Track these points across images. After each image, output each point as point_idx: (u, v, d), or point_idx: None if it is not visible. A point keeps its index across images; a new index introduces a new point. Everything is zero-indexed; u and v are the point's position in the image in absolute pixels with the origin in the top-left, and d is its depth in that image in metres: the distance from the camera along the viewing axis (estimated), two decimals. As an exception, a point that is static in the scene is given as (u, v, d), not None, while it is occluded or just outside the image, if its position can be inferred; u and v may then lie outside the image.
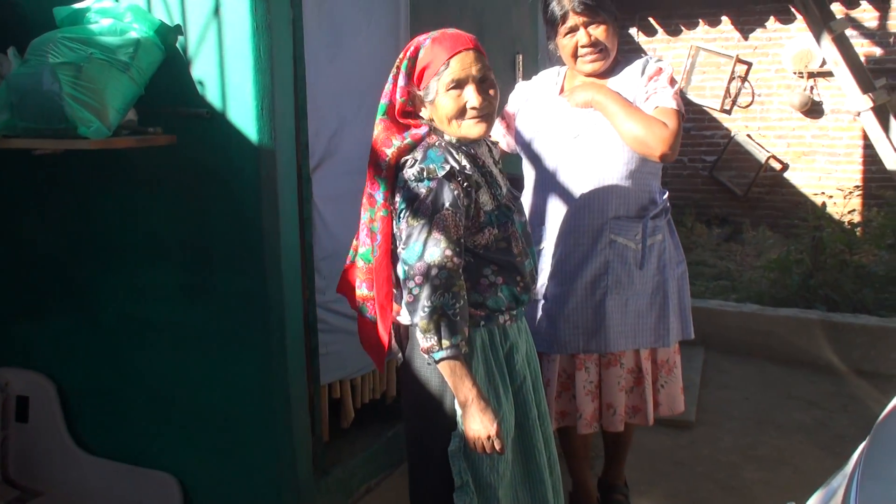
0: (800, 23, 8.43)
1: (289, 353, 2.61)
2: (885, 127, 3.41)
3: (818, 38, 3.51)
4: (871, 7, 8.10)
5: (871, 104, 3.43)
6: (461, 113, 2.07)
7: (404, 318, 2.16)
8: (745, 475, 3.31)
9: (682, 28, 8.66)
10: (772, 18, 8.51)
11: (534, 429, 2.24)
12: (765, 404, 4.00)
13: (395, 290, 2.16)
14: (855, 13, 8.16)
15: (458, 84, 2.05)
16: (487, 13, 3.65)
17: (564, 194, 2.63)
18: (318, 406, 2.76)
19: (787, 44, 8.43)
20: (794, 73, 8.34)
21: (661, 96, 2.50)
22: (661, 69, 2.57)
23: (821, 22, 3.63)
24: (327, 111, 2.68)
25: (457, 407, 2.08)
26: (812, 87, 8.35)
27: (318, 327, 2.72)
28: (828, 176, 8.44)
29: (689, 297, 2.77)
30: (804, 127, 8.40)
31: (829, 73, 8.22)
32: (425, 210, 1.98)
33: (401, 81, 2.14)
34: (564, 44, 2.59)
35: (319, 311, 2.74)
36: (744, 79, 8.55)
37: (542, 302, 2.67)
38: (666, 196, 2.71)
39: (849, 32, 8.25)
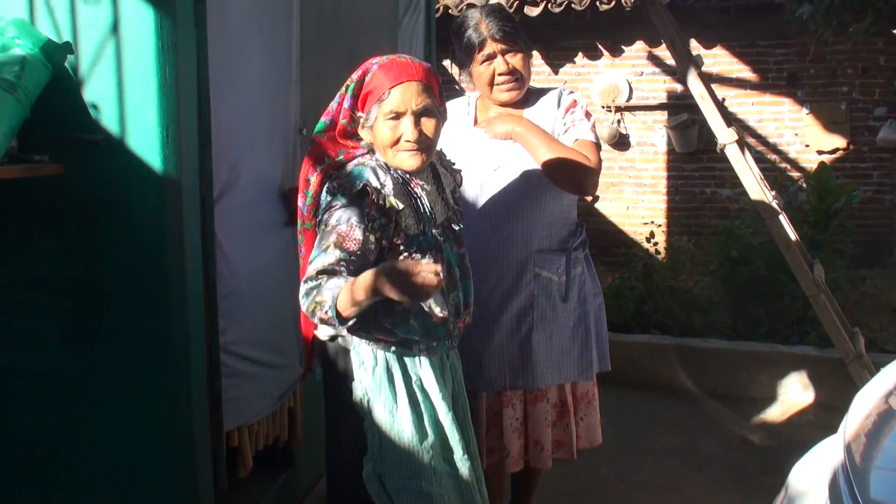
0: (607, 59, 9.21)
1: (193, 401, 2.51)
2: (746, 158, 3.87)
3: (685, 74, 3.90)
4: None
5: (735, 137, 3.87)
6: (396, 143, 2.16)
7: (322, 332, 2.27)
8: (636, 502, 3.56)
9: (496, 60, 9.16)
10: (580, 54, 9.20)
11: (462, 466, 2.28)
12: (632, 430, 4.24)
13: None
14: (657, 51, 9.04)
15: (397, 115, 2.14)
16: (361, 41, 3.74)
17: (486, 228, 2.69)
18: (222, 456, 2.70)
19: (596, 79, 9.14)
20: (603, 107, 9.07)
21: (579, 129, 2.64)
22: (575, 101, 2.71)
23: (687, 58, 4.04)
24: (227, 139, 2.64)
25: (367, 431, 2.18)
26: (619, 121, 9.13)
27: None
28: (635, 206, 9.18)
29: (606, 329, 2.91)
30: (612, 159, 9.11)
31: (636, 108, 9.08)
32: (333, 221, 2.08)
33: (346, 103, 2.22)
34: (481, 71, 2.67)
35: (220, 353, 2.69)
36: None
37: (466, 338, 2.66)
38: (583, 227, 2.84)
39: (650, 70, 9.22)
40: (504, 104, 2.73)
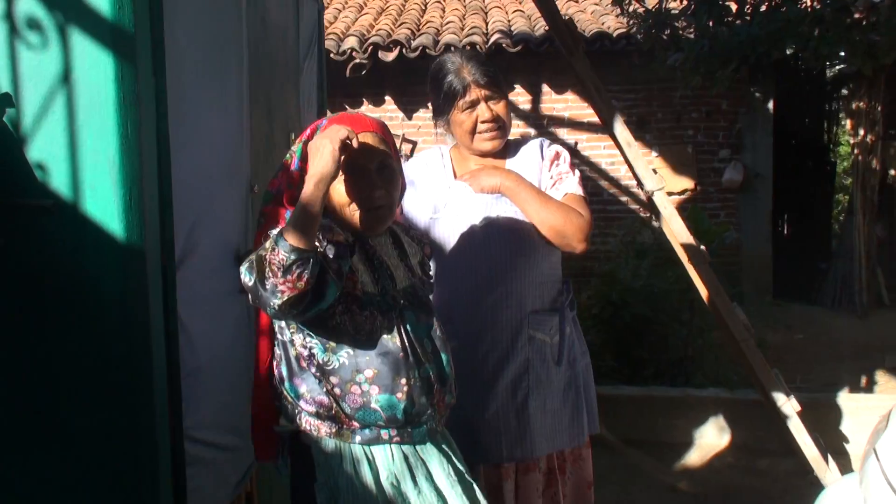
0: (460, 104, 9.43)
1: (161, 496, 2.30)
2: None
3: (611, 121, 4.00)
4: (524, 91, 9.33)
5: (663, 184, 4.00)
6: (359, 202, 2.08)
7: (281, 424, 2.15)
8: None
9: (346, 107, 9.13)
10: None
11: None
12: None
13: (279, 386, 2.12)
14: (511, 96, 9.33)
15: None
16: (275, 89, 3.60)
17: (474, 289, 2.58)
18: (188, 559, 2.46)
19: (449, 124, 9.33)
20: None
21: (567, 183, 2.60)
22: (559, 153, 2.67)
23: (612, 105, 4.16)
24: (185, 200, 2.46)
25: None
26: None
27: (184, 460, 2.46)
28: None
29: (594, 391, 2.82)
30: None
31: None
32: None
33: (294, 165, 2.10)
34: (462, 119, 2.59)
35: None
36: (408, 157, 9.26)
37: (458, 408, 2.50)
38: (570, 284, 2.78)
39: (504, 114, 9.48)
40: (484, 154, 2.66)
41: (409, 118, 9.31)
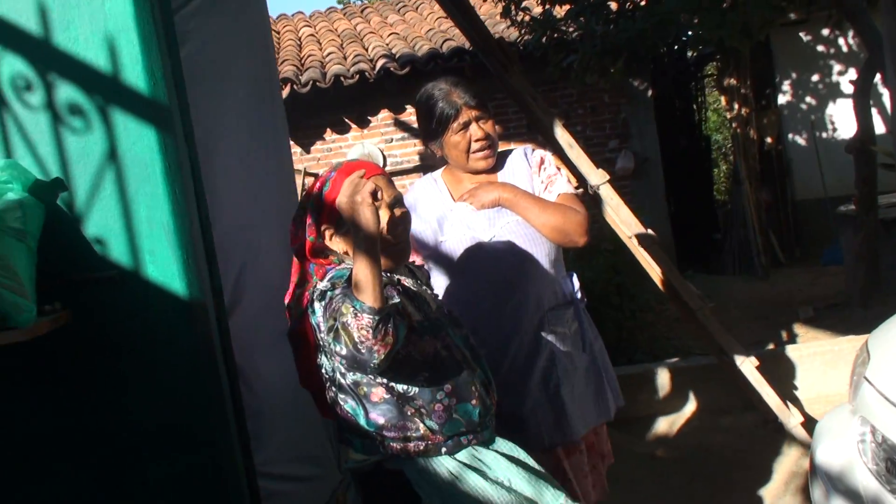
0: (356, 131, 9.66)
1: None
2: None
3: (551, 127, 4.34)
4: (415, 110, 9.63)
5: (607, 177, 4.36)
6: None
7: (356, 456, 2.25)
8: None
9: (243, 149, 9.24)
10: (328, 130, 9.60)
11: None
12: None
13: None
14: (403, 117, 9.62)
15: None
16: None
17: (493, 298, 2.77)
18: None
19: (348, 151, 9.57)
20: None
21: (558, 184, 2.82)
22: (543, 157, 2.88)
23: (550, 112, 4.50)
24: (228, 250, 2.66)
25: None
26: (377, 190, 9.59)
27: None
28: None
29: (612, 369, 3.07)
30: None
31: (394, 173, 9.61)
32: (336, 310, 2.00)
33: (310, 219, 2.25)
34: (457, 140, 2.76)
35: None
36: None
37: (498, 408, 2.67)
38: (574, 275, 3.01)
39: (399, 136, 9.79)
40: (478, 172, 2.85)
41: (308, 152, 9.52)
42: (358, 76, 8.99)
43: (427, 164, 9.49)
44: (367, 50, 9.89)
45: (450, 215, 2.85)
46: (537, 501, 2.22)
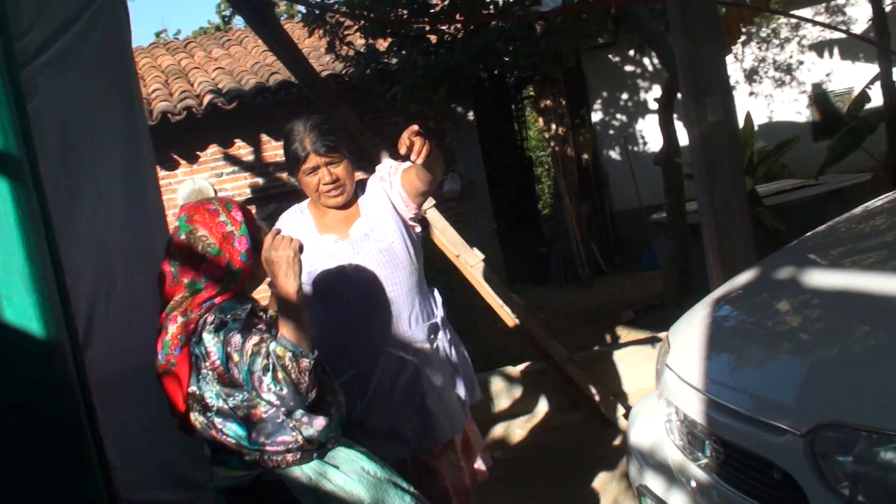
0: (185, 167, 9.68)
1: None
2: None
3: (377, 157, 4.58)
4: (245, 143, 9.77)
5: (433, 201, 4.64)
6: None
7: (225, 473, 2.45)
8: None
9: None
10: (157, 168, 9.51)
11: None
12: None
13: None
14: (232, 151, 9.72)
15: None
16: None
17: (360, 322, 2.95)
18: None
19: (178, 187, 9.57)
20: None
21: (401, 166, 2.99)
22: (380, 169, 3.06)
23: (376, 144, 4.75)
24: (83, 288, 2.78)
25: None
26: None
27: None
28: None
29: (471, 367, 3.26)
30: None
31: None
32: (239, 340, 2.29)
33: (243, 245, 2.47)
34: (308, 181, 2.93)
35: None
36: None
37: (372, 424, 2.94)
38: (436, 290, 3.20)
39: (230, 169, 9.86)
40: (332, 207, 3.01)
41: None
42: (185, 112, 9.04)
43: (259, 196, 9.63)
44: (192, 85, 9.92)
45: (315, 247, 3.00)
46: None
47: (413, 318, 3.04)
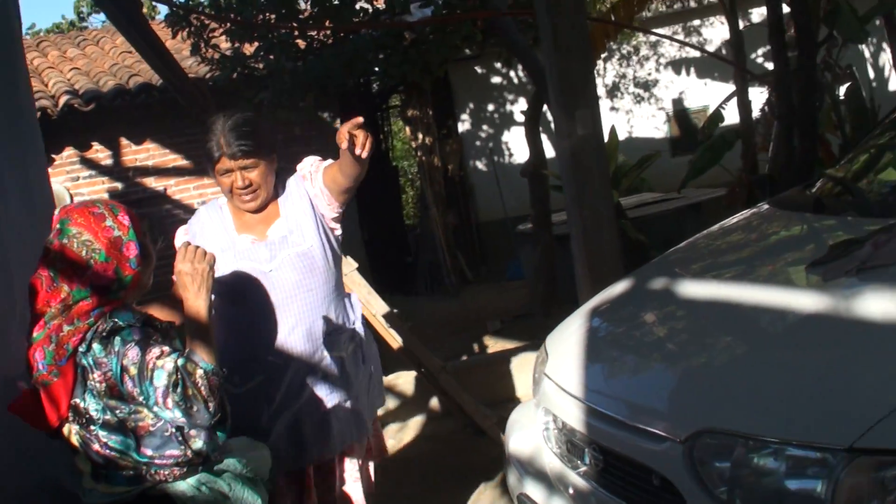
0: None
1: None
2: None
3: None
4: (103, 147, 9.39)
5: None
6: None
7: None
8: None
9: None
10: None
11: None
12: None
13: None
14: (89, 155, 9.33)
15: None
16: None
17: (272, 327, 2.86)
18: None
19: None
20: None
21: (322, 163, 2.90)
22: (300, 168, 2.95)
23: None
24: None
25: None
26: (64, 232, 9.23)
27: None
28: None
29: (381, 371, 3.23)
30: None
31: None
32: (136, 356, 2.19)
33: (133, 251, 2.32)
34: (222, 181, 2.81)
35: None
36: None
37: (277, 430, 2.85)
38: (353, 295, 3.14)
39: (87, 173, 9.46)
40: (247, 210, 2.90)
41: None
42: (40, 113, 8.60)
43: (120, 202, 9.26)
44: (47, 86, 9.48)
45: (232, 246, 2.90)
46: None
47: (327, 326, 2.95)
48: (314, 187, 2.92)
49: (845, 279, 2.32)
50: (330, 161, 2.91)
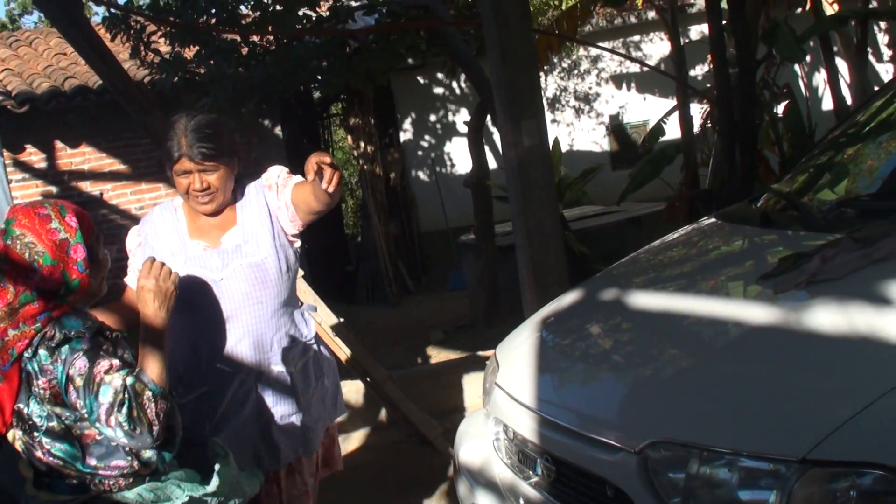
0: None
1: None
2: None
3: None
4: (37, 150, 9.18)
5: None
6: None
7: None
8: None
9: None
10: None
11: None
12: None
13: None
14: (23, 157, 9.11)
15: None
16: None
17: (218, 337, 2.77)
18: None
19: (-42, 196, 8.87)
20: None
21: (290, 180, 2.80)
22: (267, 177, 2.86)
23: None
24: None
25: None
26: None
27: None
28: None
29: (339, 382, 3.14)
30: None
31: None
32: (84, 365, 2.14)
33: (80, 253, 2.25)
34: (180, 181, 2.71)
35: None
36: None
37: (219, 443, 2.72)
38: (309, 310, 3.05)
39: (20, 176, 9.23)
40: (203, 213, 2.82)
41: None
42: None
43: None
44: (-23, 86, 9.25)
45: (183, 251, 2.82)
46: None
47: (276, 340, 2.88)
48: (279, 200, 2.84)
49: (795, 292, 2.36)
50: (300, 178, 2.82)
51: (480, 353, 5.77)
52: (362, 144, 10.38)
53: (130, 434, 2.12)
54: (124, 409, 2.10)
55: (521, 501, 2.59)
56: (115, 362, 2.17)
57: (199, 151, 2.69)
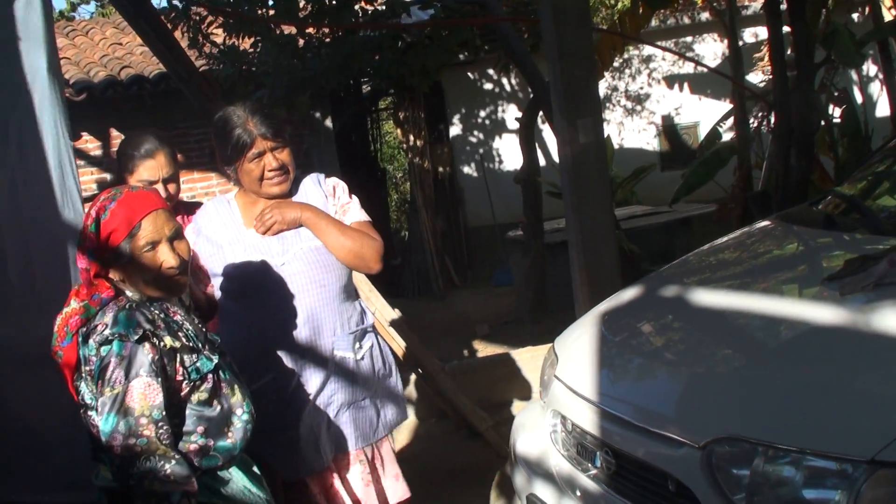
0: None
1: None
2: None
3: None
4: (93, 137, 9.36)
5: None
6: (158, 272, 2.25)
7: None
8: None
9: None
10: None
11: None
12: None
13: None
14: (79, 144, 9.24)
15: (153, 245, 2.21)
16: None
17: (283, 325, 2.79)
18: None
19: (17, 180, 9.06)
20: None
21: (353, 211, 2.88)
22: (335, 185, 2.94)
23: None
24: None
25: None
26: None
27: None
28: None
29: (400, 384, 3.13)
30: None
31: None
32: (117, 379, 2.10)
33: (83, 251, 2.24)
34: (251, 168, 2.76)
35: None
36: None
37: (281, 430, 2.78)
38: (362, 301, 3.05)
39: (78, 162, 9.38)
40: (274, 197, 2.86)
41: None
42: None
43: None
44: (36, 73, 9.40)
45: (241, 239, 2.86)
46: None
47: (340, 325, 2.90)
48: (331, 205, 2.94)
49: (861, 294, 2.36)
50: (355, 214, 2.96)
51: (530, 348, 5.78)
52: (412, 138, 10.43)
53: (111, 429, 2.12)
54: (140, 460, 2.10)
55: (579, 493, 2.61)
56: (153, 385, 2.13)
57: (270, 127, 2.78)
